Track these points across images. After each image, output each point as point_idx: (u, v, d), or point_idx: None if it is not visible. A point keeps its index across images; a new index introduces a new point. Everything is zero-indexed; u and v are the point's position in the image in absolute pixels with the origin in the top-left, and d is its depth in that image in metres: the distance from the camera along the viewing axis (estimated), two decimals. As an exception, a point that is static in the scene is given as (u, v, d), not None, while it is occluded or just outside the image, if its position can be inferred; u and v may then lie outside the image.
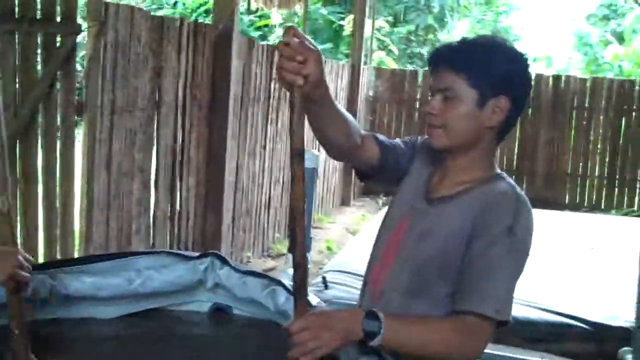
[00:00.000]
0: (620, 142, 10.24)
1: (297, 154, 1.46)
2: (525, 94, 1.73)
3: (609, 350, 4.70)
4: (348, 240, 8.12)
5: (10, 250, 1.60)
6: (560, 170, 10.32)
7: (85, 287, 1.87)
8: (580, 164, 10.35)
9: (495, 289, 1.58)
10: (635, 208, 10.16)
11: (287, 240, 7.37)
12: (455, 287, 1.62)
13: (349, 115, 1.70)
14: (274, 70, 6.39)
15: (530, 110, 10.17)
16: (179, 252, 2.02)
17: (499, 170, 1.76)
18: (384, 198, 10.58)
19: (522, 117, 11.04)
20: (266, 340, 1.89)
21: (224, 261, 1.94)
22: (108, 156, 3.81)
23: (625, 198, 10.25)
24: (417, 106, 10.75)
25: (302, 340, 1.45)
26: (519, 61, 1.71)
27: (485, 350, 1.65)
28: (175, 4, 14.09)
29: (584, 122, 10.29)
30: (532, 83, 1.76)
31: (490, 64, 1.65)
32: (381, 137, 1.84)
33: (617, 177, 10.27)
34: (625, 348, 4.60)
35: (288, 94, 1.48)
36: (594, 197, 10.34)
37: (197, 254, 1.97)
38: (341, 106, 1.65)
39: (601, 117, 10.24)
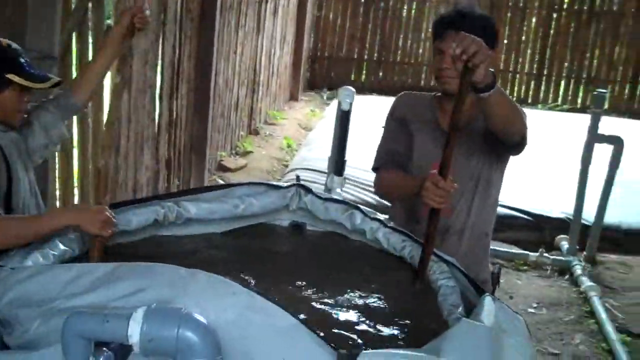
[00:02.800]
0: (549, 40, 11.02)
1: None
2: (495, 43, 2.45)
3: (547, 238, 5.55)
4: (302, 136, 8.67)
5: (97, 209, 2.01)
6: (493, 66, 11.01)
7: (202, 212, 2.39)
8: (512, 61, 11.13)
9: None
10: (559, 102, 11.06)
11: (250, 137, 7.88)
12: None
13: None
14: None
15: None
16: (271, 182, 2.56)
17: None
18: (328, 92, 11.10)
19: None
20: (332, 246, 2.47)
21: (307, 190, 2.49)
22: (129, 76, 4.20)
23: (551, 93, 11.13)
24: (362, 2, 11.15)
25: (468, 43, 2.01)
26: (494, 23, 2.44)
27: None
28: None
29: (517, 22, 10.99)
30: None
31: (484, 29, 2.30)
32: (396, 160, 2.57)
33: (545, 73, 11.11)
34: (562, 236, 5.46)
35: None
36: (522, 92, 11.18)
37: (286, 184, 2.51)
38: None
39: (533, 19, 10.96)
